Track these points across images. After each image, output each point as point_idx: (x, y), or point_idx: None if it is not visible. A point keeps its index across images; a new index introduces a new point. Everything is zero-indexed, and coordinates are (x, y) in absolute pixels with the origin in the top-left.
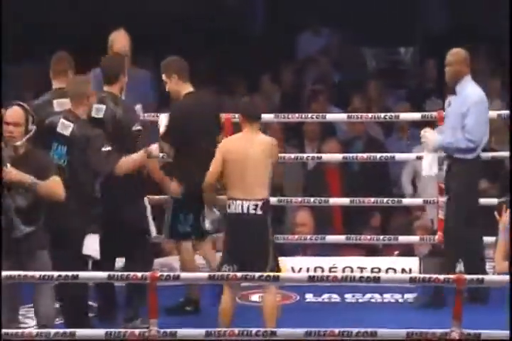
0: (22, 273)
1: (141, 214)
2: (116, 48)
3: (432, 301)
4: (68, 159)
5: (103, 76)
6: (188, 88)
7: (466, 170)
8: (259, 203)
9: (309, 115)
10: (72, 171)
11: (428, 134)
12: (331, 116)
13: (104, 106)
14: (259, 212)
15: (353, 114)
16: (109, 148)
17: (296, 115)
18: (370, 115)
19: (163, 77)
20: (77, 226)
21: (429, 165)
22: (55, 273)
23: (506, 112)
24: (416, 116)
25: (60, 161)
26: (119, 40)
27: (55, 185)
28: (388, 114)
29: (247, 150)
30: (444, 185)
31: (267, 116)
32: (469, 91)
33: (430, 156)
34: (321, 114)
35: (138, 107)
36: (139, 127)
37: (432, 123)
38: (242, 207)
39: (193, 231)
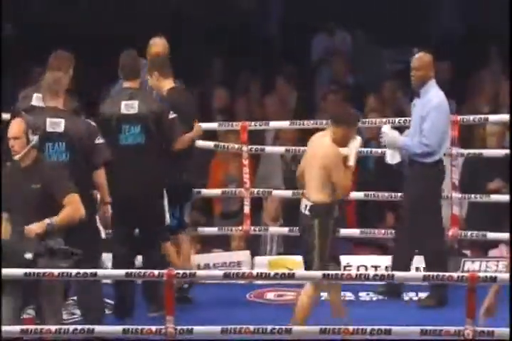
0: (41, 270)
1: None
2: (154, 51)
3: (440, 300)
4: (69, 153)
5: (124, 72)
6: (169, 84)
7: (423, 174)
8: (308, 204)
9: (323, 122)
10: (74, 165)
11: (388, 132)
12: None
13: (136, 102)
14: (307, 213)
15: (367, 119)
16: (102, 141)
17: (312, 122)
18: (384, 120)
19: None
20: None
21: (392, 155)
22: (74, 271)
23: None
24: None
25: (62, 158)
26: (157, 44)
27: (71, 210)
28: (402, 119)
29: (310, 151)
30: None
31: (282, 123)
32: (431, 95)
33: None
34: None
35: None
36: (174, 115)
37: None
38: (301, 205)
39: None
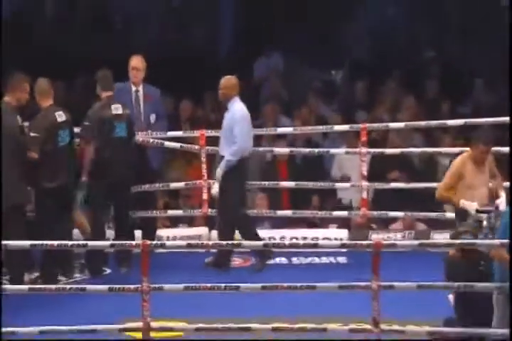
0: (45, 242)
1: None
2: (132, 65)
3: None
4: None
5: (103, 84)
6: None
7: (233, 169)
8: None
9: (263, 130)
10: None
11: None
12: (281, 129)
13: (120, 106)
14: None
15: (297, 127)
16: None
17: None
18: (310, 128)
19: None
20: None
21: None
22: (70, 243)
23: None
24: (345, 127)
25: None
26: (136, 60)
27: None
28: (325, 127)
29: None
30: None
31: None
32: (235, 109)
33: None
34: (273, 128)
35: (152, 117)
36: None
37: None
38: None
39: None
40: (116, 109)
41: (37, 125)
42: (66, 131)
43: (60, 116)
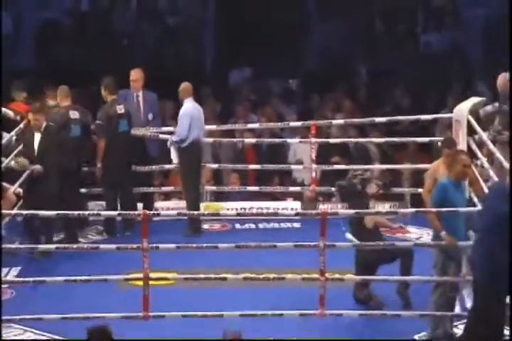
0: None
1: None
2: (131, 78)
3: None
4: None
5: (108, 90)
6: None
7: (183, 153)
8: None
9: (236, 125)
10: None
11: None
12: (250, 125)
13: (122, 106)
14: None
15: (262, 123)
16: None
17: (230, 125)
18: (272, 123)
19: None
20: None
21: (174, 155)
22: (71, 213)
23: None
24: (299, 123)
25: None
26: (134, 73)
27: None
28: (284, 123)
29: None
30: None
31: (210, 127)
32: (183, 107)
33: (172, 149)
34: (245, 124)
35: (150, 116)
36: None
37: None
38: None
39: None
40: (120, 108)
41: (55, 118)
42: (77, 126)
43: (74, 114)
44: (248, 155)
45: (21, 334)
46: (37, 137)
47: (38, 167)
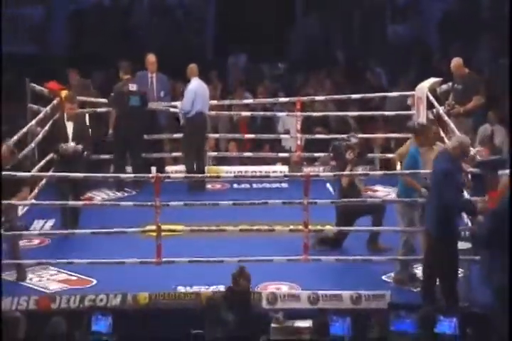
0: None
1: None
2: (148, 59)
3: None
4: None
5: (124, 70)
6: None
7: (187, 123)
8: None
9: (234, 101)
10: None
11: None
12: (245, 101)
13: (135, 85)
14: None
15: (256, 99)
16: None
17: (228, 101)
18: (264, 100)
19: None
20: None
21: (183, 122)
22: (108, 175)
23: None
24: (286, 99)
25: None
26: (150, 57)
27: None
28: (274, 99)
29: None
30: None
31: (211, 101)
32: (189, 85)
33: (181, 117)
34: (241, 100)
35: (162, 93)
36: None
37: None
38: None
39: None
40: (132, 86)
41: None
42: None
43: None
44: (242, 127)
45: (56, 274)
46: (69, 125)
47: (78, 147)
